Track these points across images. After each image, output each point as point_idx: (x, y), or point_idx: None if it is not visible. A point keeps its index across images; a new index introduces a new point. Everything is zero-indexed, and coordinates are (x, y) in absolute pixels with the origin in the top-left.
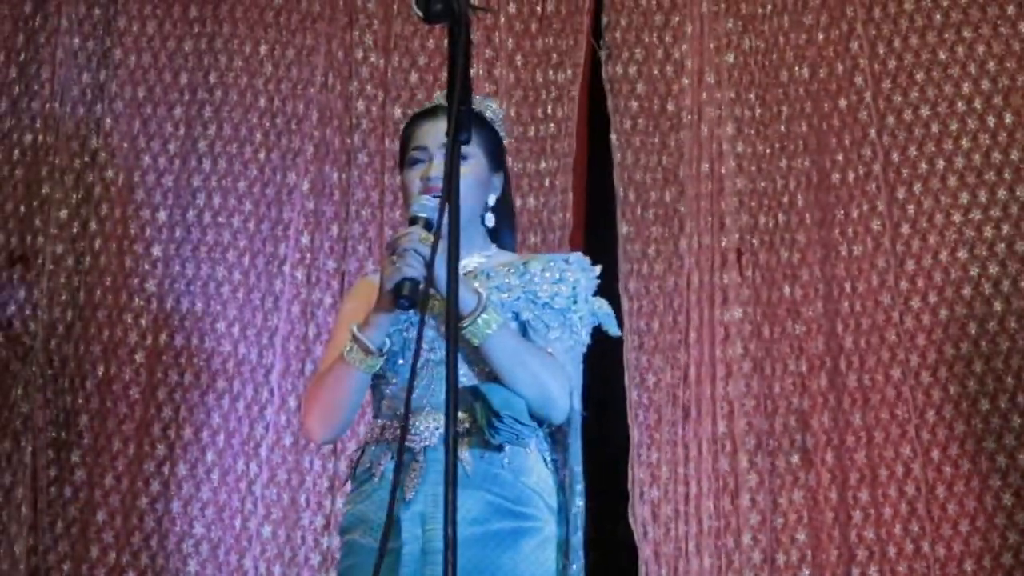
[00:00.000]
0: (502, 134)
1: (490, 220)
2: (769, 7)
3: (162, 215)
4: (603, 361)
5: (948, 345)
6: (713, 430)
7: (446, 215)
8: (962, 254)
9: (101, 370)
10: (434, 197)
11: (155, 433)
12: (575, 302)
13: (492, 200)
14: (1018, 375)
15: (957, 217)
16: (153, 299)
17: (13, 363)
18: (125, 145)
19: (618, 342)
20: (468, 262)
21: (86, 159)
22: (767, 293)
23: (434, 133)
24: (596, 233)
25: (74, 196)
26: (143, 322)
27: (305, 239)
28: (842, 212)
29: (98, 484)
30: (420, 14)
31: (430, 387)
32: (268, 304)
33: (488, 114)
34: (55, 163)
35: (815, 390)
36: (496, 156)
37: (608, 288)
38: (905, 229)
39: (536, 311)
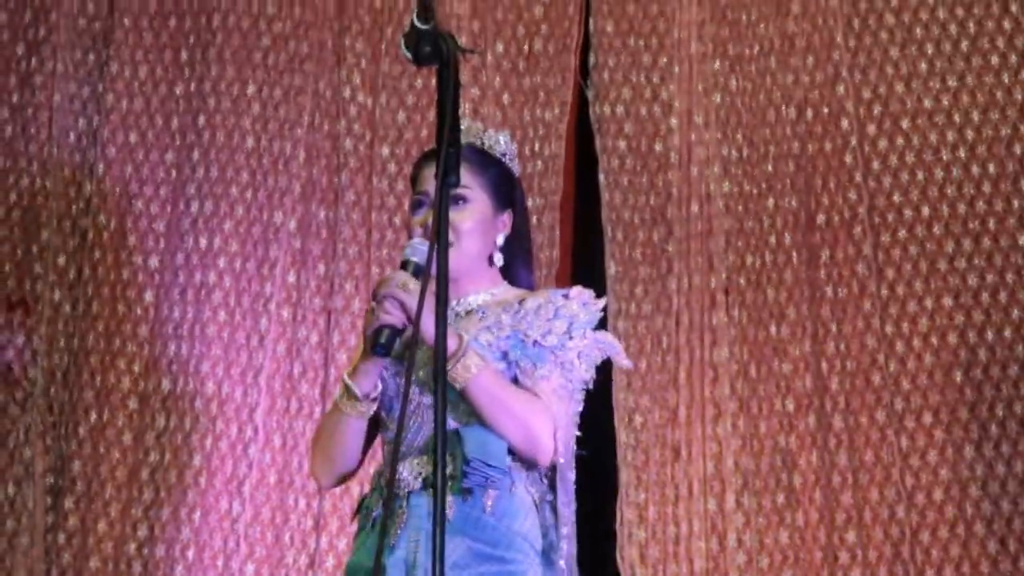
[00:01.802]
0: (514, 167)
1: (499, 259)
2: (756, 48)
3: (154, 261)
4: (591, 401)
5: (933, 391)
6: (703, 470)
7: (450, 264)
8: (947, 301)
9: (94, 416)
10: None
11: (143, 477)
12: (570, 338)
13: (501, 239)
14: (1003, 423)
15: (942, 264)
16: (145, 344)
17: (12, 408)
18: (117, 190)
19: (606, 382)
20: (473, 300)
21: (81, 205)
22: (753, 332)
23: (433, 178)
24: (585, 273)
25: (71, 242)
26: (136, 368)
27: (292, 277)
28: (828, 254)
29: (91, 530)
30: (409, 57)
31: (420, 431)
32: (254, 342)
33: (498, 149)
34: (53, 208)
35: (802, 429)
36: (503, 193)
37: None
38: (890, 273)
39: (524, 350)
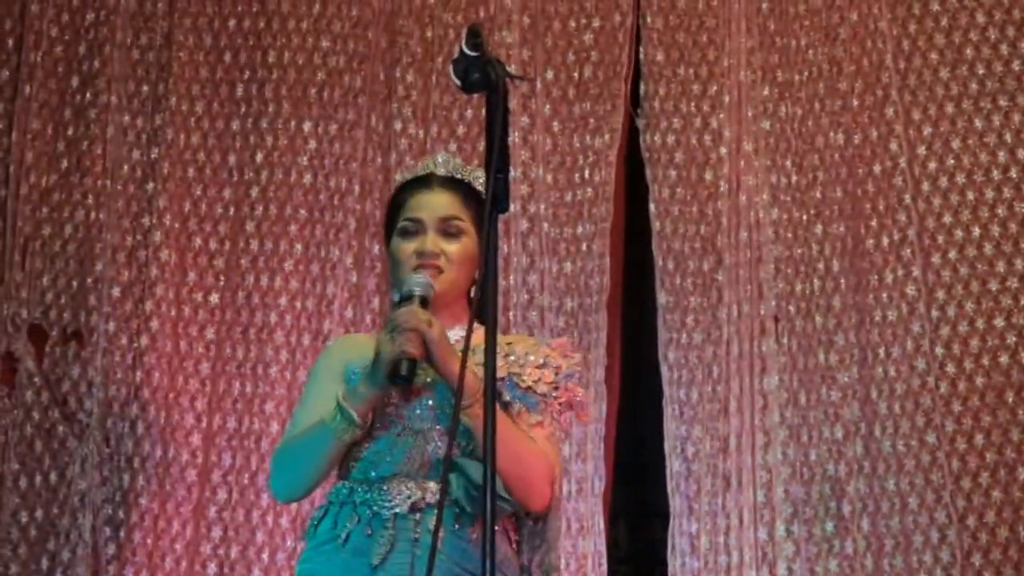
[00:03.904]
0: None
1: (475, 293)
2: (806, 74)
3: (214, 298)
4: (642, 431)
5: (984, 412)
6: (754, 499)
7: (438, 289)
8: (999, 322)
9: (160, 452)
10: (430, 274)
11: (211, 516)
12: (556, 388)
13: (478, 274)
14: None
15: (993, 285)
16: (208, 382)
17: (70, 440)
18: (176, 226)
19: (658, 413)
20: (452, 335)
21: (139, 237)
22: (803, 360)
23: (430, 206)
24: (635, 303)
25: (126, 274)
26: (198, 404)
27: (349, 313)
28: (877, 277)
29: (159, 567)
30: (458, 83)
31: (406, 454)
32: None
33: (477, 185)
34: (107, 240)
35: (850, 456)
36: (481, 230)
37: (648, 358)
38: (940, 295)
39: (518, 394)
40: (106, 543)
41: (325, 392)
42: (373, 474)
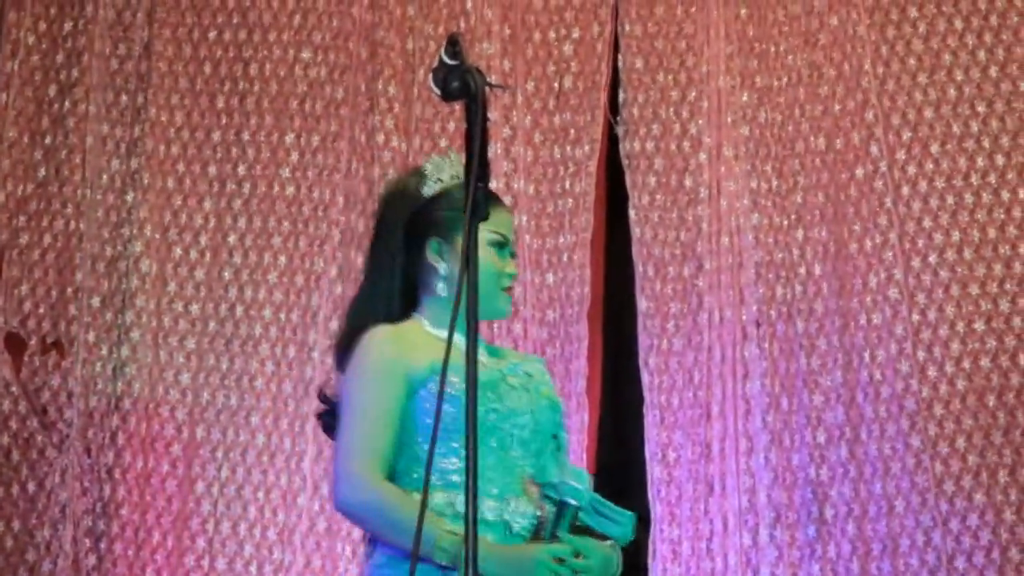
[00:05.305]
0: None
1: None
2: (785, 79)
3: (195, 308)
4: (623, 437)
5: (966, 416)
6: (737, 505)
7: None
8: (979, 326)
9: (140, 463)
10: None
11: (193, 527)
12: None
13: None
14: None
15: (974, 289)
16: (188, 392)
17: (49, 450)
18: (157, 236)
19: (639, 419)
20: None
21: (119, 247)
22: (785, 364)
23: (510, 226)
24: (616, 309)
25: (106, 284)
26: (179, 415)
27: (334, 324)
28: (860, 281)
29: None
30: (438, 92)
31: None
32: (300, 392)
33: None
34: (87, 250)
35: (833, 461)
36: None
37: (629, 364)
38: (921, 298)
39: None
40: (87, 554)
41: (391, 405)
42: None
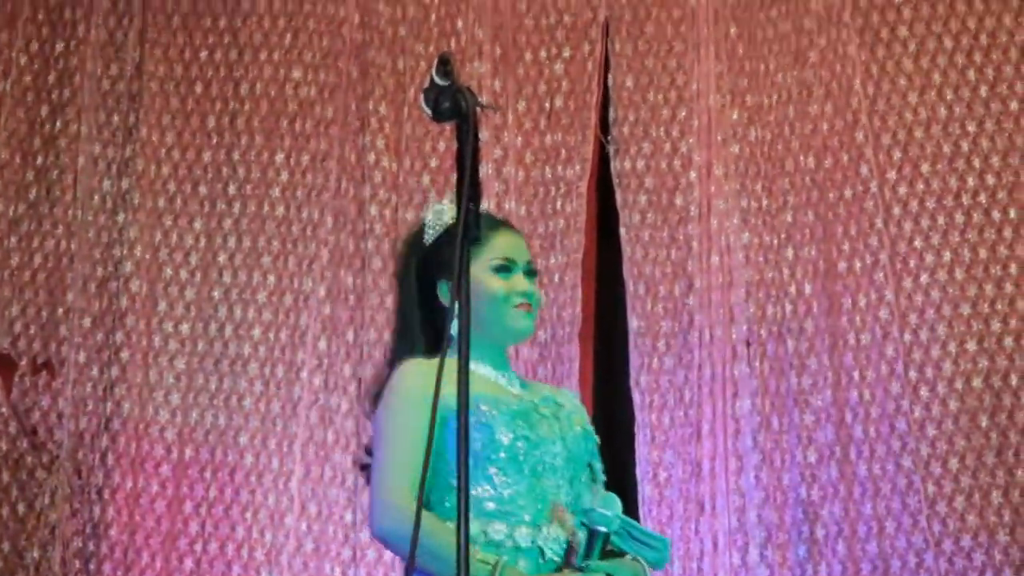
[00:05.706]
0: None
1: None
2: (775, 98)
3: (185, 328)
4: (614, 456)
5: (959, 436)
6: (728, 524)
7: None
8: (971, 346)
9: (129, 483)
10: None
11: (182, 547)
12: None
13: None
14: None
15: (965, 309)
16: (178, 412)
17: (39, 471)
18: (147, 257)
19: (629, 437)
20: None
21: (109, 268)
22: (775, 383)
23: (519, 248)
24: (606, 327)
25: (97, 304)
26: (168, 436)
27: (322, 345)
28: (849, 301)
29: None
30: (429, 112)
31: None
32: (287, 412)
33: None
34: (78, 270)
35: (824, 480)
36: None
37: (619, 383)
38: (913, 319)
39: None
40: (76, 575)
41: (423, 433)
42: (527, 515)
